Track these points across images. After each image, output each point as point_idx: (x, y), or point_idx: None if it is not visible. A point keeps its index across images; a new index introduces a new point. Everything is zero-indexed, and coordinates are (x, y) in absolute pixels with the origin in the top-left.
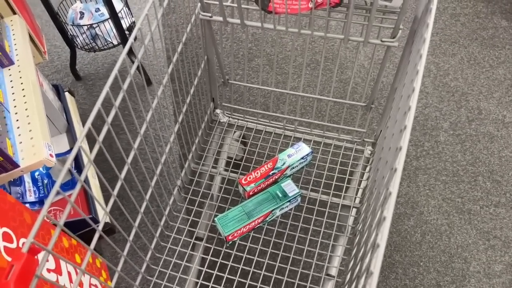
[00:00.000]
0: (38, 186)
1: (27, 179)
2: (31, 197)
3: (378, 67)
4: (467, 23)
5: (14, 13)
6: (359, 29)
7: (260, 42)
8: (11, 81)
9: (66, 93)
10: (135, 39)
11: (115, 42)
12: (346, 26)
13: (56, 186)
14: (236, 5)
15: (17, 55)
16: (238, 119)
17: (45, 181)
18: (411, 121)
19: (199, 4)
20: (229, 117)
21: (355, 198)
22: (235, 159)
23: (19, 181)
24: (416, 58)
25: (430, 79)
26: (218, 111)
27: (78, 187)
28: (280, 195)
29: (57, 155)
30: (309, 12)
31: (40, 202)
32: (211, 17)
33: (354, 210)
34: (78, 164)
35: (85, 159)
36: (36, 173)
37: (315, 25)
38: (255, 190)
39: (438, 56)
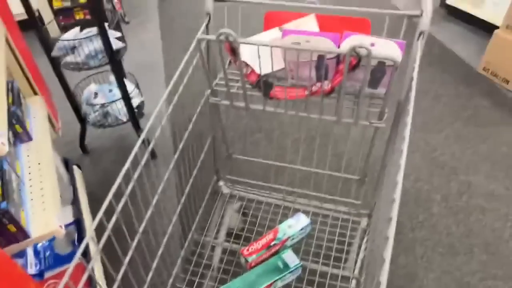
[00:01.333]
0: (40, 258)
1: (30, 251)
2: (31, 269)
3: (366, 143)
4: (450, 103)
5: (35, 93)
6: (350, 110)
7: (259, 119)
8: (28, 155)
9: (74, 166)
10: (142, 115)
11: (124, 120)
12: (338, 110)
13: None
14: (241, 91)
15: (35, 132)
16: (240, 191)
17: (47, 254)
18: (398, 195)
19: (209, 90)
20: (231, 189)
21: (354, 269)
22: (236, 230)
23: (21, 253)
24: (400, 139)
25: (419, 154)
26: (221, 182)
27: (85, 276)
28: (282, 266)
29: None
30: (305, 98)
31: (40, 274)
32: (219, 101)
33: (354, 281)
34: (80, 231)
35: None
36: (39, 245)
37: (310, 107)
38: (257, 261)
39: (425, 132)
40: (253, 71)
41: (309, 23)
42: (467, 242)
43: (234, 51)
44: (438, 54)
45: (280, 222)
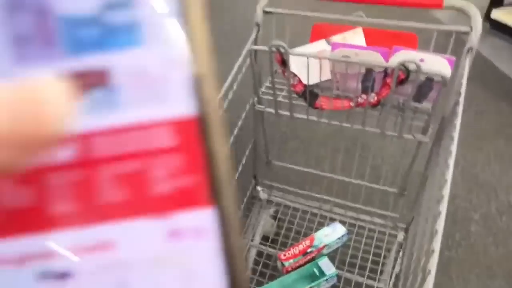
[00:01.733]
0: None
1: None
2: None
3: (406, 155)
4: (491, 120)
5: None
6: (393, 123)
7: (296, 127)
8: None
9: None
10: None
11: None
12: (381, 122)
13: None
14: (287, 100)
15: None
16: (276, 197)
17: None
18: (445, 208)
19: (255, 98)
20: (268, 195)
21: (390, 281)
22: (271, 235)
23: None
24: (446, 153)
25: (458, 171)
26: (258, 188)
27: None
28: (318, 273)
29: None
30: (350, 109)
31: None
32: (264, 108)
33: None
34: None
35: None
36: None
37: (352, 118)
38: (293, 266)
39: (465, 148)
40: (299, 81)
41: (356, 36)
42: (506, 265)
43: (283, 62)
44: (480, 69)
45: (316, 230)
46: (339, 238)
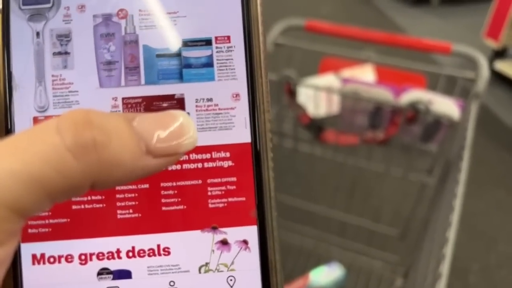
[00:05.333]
0: None
1: None
2: None
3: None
4: (492, 169)
5: None
6: (398, 162)
7: (294, 159)
8: None
9: None
10: None
11: None
12: (387, 161)
13: None
14: (291, 133)
15: None
16: None
17: None
18: (450, 252)
19: None
20: None
21: None
22: None
23: None
24: (451, 196)
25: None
26: None
27: None
28: None
29: None
30: (355, 145)
31: None
32: None
33: None
34: None
35: None
36: None
37: (357, 154)
38: None
39: (465, 196)
40: (305, 113)
41: (366, 72)
42: None
43: (292, 93)
44: (482, 118)
45: (311, 269)
46: (335, 279)
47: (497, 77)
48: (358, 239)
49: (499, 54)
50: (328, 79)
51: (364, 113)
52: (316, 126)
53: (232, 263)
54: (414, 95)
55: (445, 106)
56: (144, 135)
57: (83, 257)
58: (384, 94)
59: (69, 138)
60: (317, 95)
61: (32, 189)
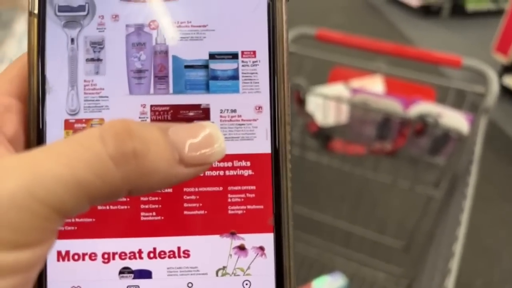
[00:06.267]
0: None
1: None
2: None
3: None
4: (498, 185)
5: None
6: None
7: (299, 168)
8: None
9: None
10: None
11: None
12: (394, 172)
13: None
14: (298, 141)
15: None
16: None
17: None
18: (455, 266)
19: None
20: None
21: None
22: None
23: None
24: (458, 210)
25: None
26: None
27: None
28: None
29: None
30: (363, 155)
31: None
32: None
33: None
34: None
35: None
36: None
37: (364, 165)
38: None
39: (470, 211)
40: (314, 121)
41: (375, 83)
42: None
43: (301, 101)
44: (490, 133)
45: (314, 278)
46: None
47: (506, 92)
48: (362, 249)
49: (508, 69)
50: (338, 89)
51: (373, 124)
52: (324, 135)
53: (248, 268)
54: (423, 107)
55: (454, 119)
56: (177, 145)
57: (106, 256)
58: (393, 105)
59: (111, 146)
60: (326, 104)
61: (75, 192)
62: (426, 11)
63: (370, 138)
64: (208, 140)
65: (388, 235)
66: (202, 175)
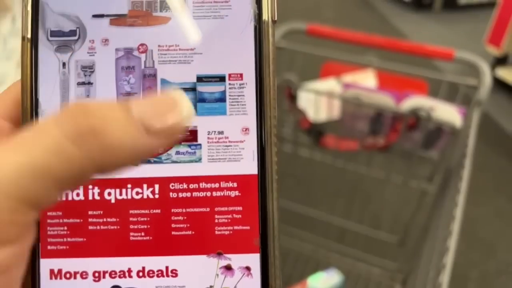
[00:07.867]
0: None
1: None
2: None
3: (408, 205)
4: (493, 177)
5: None
6: (398, 169)
7: (292, 164)
8: None
9: None
10: None
11: None
12: (387, 167)
13: None
14: (291, 136)
15: None
16: None
17: None
18: (450, 261)
19: None
20: None
21: None
22: None
23: None
24: (452, 205)
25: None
26: None
27: None
28: None
29: None
30: (355, 151)
31: None
32: None
33: None
34: None
35: None
36: None
37: (357, 160)
38: None
39: (465, 204)
40: (306, 117)
41: (368, 77)
42: None
43: (292, 97)
44: (483, 126)
45: (309, 274)
46: (334, 286)
47: (498, 84)
48: (357, 245)
49: (501, 61)
50: (329, 84)
51: (365, 119)
52: (316, 131)
53: (235, 287)
54: (415, 101)
55: (447, 113)
56: (140, 115)
57: (96, 274)
58: (386, 100)
59: (66, 127)
60: (318, 100)
61: (39, 179)
62: (418, 5)
63: (363, 133)
64: (173, 106)
65: (382, 230)
66: (189, 196)
